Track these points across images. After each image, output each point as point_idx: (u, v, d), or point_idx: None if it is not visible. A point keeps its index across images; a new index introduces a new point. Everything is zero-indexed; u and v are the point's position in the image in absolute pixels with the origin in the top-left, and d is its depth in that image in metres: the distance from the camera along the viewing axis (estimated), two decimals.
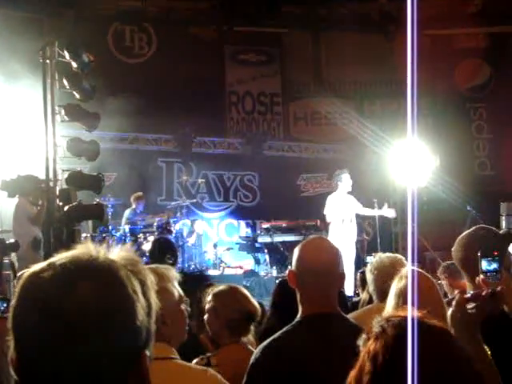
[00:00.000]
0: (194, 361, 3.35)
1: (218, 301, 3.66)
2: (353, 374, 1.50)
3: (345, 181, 11.14)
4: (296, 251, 2.87)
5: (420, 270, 3.06)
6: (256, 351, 2.77)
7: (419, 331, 1.41)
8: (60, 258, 1.19)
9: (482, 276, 2.49)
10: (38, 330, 1.12)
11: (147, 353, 1.22)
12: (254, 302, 3.78)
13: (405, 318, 1.47)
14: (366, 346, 1.48)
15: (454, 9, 15.87)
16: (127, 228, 11.95)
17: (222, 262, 13.57)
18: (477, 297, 2.19)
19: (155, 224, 12.38)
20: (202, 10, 16.02)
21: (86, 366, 1.12)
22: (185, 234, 13.11)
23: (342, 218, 10.86)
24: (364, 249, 13.39)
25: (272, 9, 15.92)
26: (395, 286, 3.00)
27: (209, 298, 3.73)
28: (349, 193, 11.26)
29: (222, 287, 3.80)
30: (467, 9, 16.05)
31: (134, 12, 15.62)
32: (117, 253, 1.25)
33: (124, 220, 12.66)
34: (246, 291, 3.83)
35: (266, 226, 13.96)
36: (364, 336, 1.51)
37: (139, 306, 1.18)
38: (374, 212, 11.63)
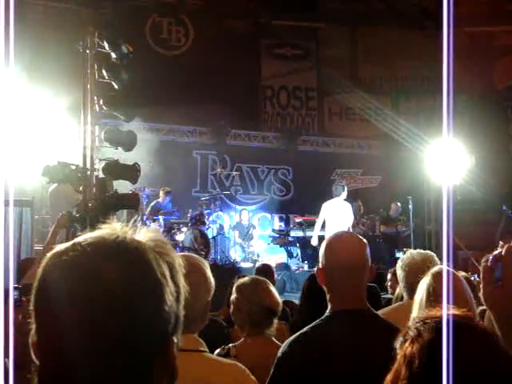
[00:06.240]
0: (216, 351, 3.40)
1: (239, 293, 3.69)
2: (389, 378, 1.43)
3: (334, 192, 11.80)
4: (323, 247, 2.81)
5: (451, 269, 3.06)
6: (283, 345, 2.76)
7: (459, 333, 1.34)
8: (85, 238, 1.12)
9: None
10: (60, 315, 1.06)
11: (175, 339, 1.15)
12: (276, 296, 3.74)
13: (441, 320, 1.39)
14: (402, 349, 1.41)
15: (493, 6, 15.68)
16: (161, 219, 12.04)
17: (255, 255, 13.57)
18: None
19: (188, 215, 12.47)
20: (240, 3, 16.06)
21: (112, 354, 1.06)
22: (225, 227, 13.27)
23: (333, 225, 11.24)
24: (396, 244, 13.24)
25: (309, 3, 15.90)
26: (424, 284, 2.99)
27: (233, 290, 3.77)
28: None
29: (245, 280, 3.80)
30: (507, 6, 15.83)
31: (171, 4, 15.72)
32: (143, 234, 1.17)
33: (149, 210, 12.58)
34: (268, 285, 3.79)
35: (298, 220, 13.98)
36: (400, 338, 1.45)
37: (168, 291, 1.12)
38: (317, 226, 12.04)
